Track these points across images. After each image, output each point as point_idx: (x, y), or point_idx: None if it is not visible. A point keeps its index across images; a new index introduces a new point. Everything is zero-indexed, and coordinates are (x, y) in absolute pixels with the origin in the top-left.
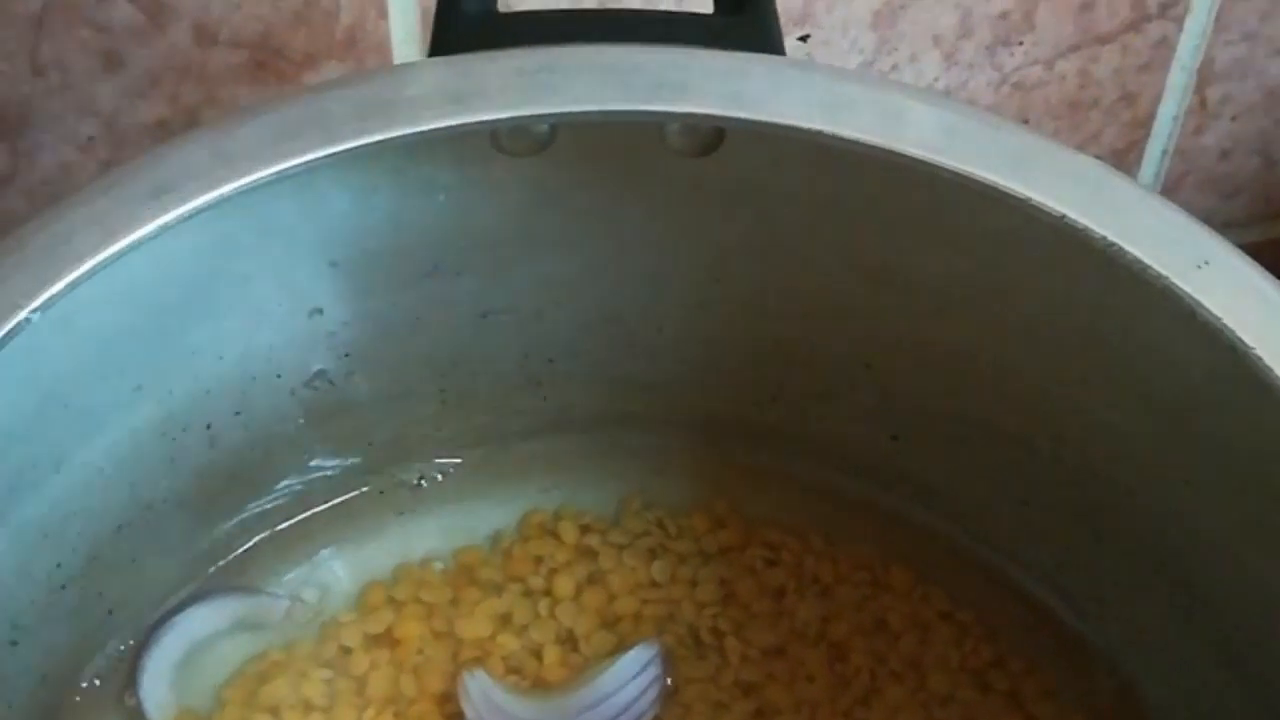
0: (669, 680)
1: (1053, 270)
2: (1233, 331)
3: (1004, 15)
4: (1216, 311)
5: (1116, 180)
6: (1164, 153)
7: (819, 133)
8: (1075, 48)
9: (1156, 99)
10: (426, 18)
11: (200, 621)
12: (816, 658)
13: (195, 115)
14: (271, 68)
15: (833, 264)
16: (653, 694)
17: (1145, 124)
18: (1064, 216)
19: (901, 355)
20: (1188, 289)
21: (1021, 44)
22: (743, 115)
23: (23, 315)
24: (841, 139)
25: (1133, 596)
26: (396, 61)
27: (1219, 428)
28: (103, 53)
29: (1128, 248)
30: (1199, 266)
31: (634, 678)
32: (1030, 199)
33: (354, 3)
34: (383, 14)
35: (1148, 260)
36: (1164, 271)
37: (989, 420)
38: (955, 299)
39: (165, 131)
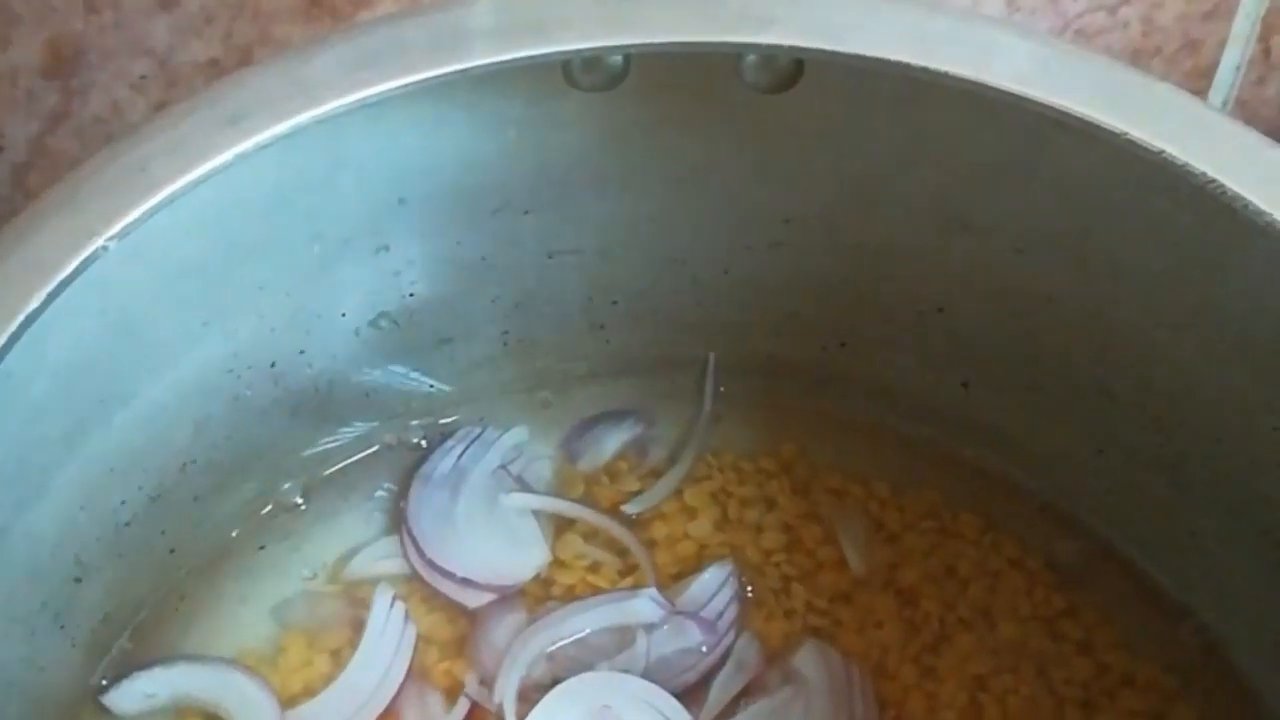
0: (749, 591)
1: (1143, 209)
2: None
3: None
4: None
5: (1213, 116)
6: (1225, 103)
7: (907, 65)
8: None
9: (1219, 48)
10: None
11: None
12: (885, 604)
13: (248, 54)
14: (326, 5)
15: (911, 205)
16: (734, 609)
17: (1207, 73)
18: (1163, 152)
19: (977, 299)
20: None
21: None
22: (829, 47)
23: (99, 243)
24: (930, 71)
25: (1216, 547)
26: None
27: None
28: None
29: (1229, 184)
30: None
31: (716, 592)
32: (1128, 134)
33: None
34: None
35: (1250, 197)
36: (1266, 208)
37: (1067, 366)
38: (1037, 240)
39: (217, 70)
